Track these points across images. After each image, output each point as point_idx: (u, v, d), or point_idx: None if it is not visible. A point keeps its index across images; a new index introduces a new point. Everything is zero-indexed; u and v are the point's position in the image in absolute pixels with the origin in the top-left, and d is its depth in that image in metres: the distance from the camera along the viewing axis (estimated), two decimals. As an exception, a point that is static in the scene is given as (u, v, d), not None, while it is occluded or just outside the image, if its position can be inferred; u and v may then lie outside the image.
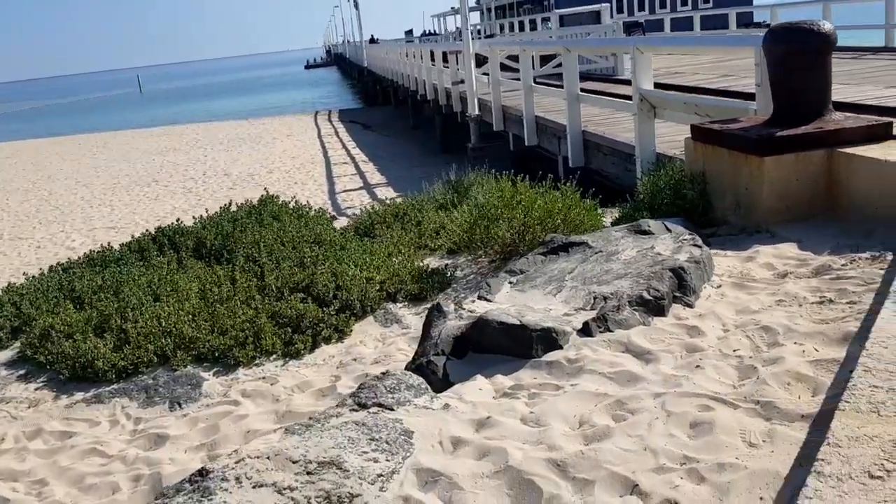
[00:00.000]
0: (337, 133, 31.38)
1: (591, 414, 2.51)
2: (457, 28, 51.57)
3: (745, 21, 25.52)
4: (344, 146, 26.98)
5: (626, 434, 2.34)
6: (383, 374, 2.86)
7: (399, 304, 4.54)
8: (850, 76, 13.10)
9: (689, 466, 2.14)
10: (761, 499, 1.95)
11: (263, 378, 4.30)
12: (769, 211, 4.59)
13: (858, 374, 2.03)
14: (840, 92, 11.03)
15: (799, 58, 4.74)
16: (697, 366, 2.74)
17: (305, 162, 23.75)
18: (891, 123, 4.71)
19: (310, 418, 2.61)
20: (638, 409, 2.49)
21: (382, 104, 41.78)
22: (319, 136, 30.43)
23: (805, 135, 4.59)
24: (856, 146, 4.49)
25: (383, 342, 4.22)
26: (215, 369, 4.49)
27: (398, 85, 32.26)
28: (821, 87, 4.81)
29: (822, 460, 1.70)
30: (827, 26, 4.79)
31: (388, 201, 10.44)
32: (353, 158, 23.65)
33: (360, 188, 18.90)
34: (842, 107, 8.60)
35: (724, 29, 25.28)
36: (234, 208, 6.98)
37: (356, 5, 58.24)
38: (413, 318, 4.34)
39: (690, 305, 3.33)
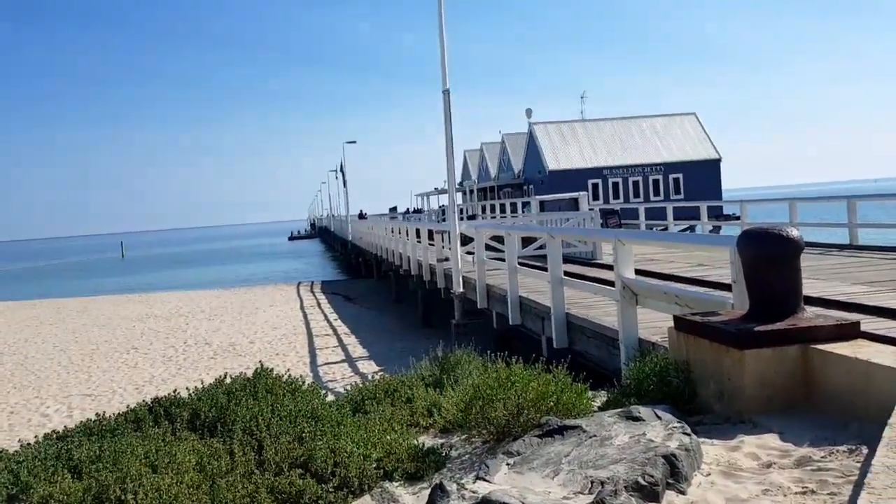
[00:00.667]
0: (319, 304, 31.79)
1: None
2: (440, 206, 53.82)
3: (716, 213, 27.00)
4: (326, 318, 27.28)
5: None
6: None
7: (395, 483, 4.62)
8: (818, 272, 13.86)
9: None
10: None
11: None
12: (751, 400, 4.83)
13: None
14: (810, 286, 11.64)
15: (771, 261, 5.19)
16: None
17: (288, 333, 23.94)
18: (858, 323, 5.08)
19: None
20: None
21: (365, 276, 42.64)
22: (302, 308, 30.78)
23: (781, 331, 4.93)
24: (827, 343, 4.83)
25: (381, 522, 4.27)
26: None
27: (382, 259, 33.15)
28: (792, 287, 5.22)
29: None
30: (794, 233, 5.27)
31: (373, 376, 10.57)
32: (335, 330, 23.89)
33: (343, 361, 18.99)
34: (812, 301, 9.11)
35: (695, 218, 26.68)
36: (228, 380, 7.11)
37: (344, 183, 60.73)
38: (410, 497, 4.41)
39: (683, 493, 3.49)
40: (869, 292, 10.58)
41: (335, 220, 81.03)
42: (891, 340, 5.72)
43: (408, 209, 69.87)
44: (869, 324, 8.14)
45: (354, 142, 60.93)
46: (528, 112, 51.27)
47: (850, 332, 4.95)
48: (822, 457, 3.87)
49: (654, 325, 8.25)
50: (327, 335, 22.93)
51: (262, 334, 23.95)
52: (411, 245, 24.26)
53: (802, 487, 3.45)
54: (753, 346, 4.87)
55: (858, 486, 2.91)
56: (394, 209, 66.09)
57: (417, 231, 23.88)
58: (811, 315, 5.22)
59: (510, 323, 12.95)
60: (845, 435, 4.16)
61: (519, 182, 55.07)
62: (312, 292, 37.81)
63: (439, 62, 15.99)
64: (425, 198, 66.79)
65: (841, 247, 17.91)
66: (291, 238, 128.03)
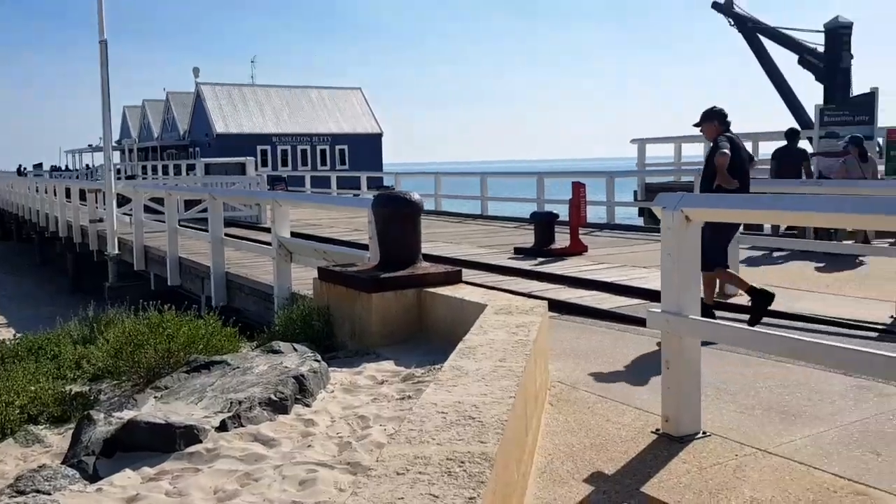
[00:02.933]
0: (-59, 269, 27.82)
1: (224, 484, 3.17)
2: (91, 165, 49.52)
3: (377, 184, 28.82)
4: (-50, 284, 24.07)
5: (251, 493, 3.05)
6: (40, 467, 3.20)
7: (41, 427, 4.71)
8: (455, 235, 15.77)
9: (298, 510, 2.91)
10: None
11: None
12: (377, 336, 5.73)
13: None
14: (445, 248, 13.29)
15: (397, 219, 6.13)
16: (309, 445, 3.57)
17: None
18: (460, 271, 6.25)
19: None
20: (262, 476, 3.21)
21: (3, 239, 38.02)
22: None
23: (401, 277, 5.90)
24: (436, 287, 5.90)
25: (25, 460, 4.35)
26: None
27: (24, 220, 29.94)
28: (413, 241, 6.22)
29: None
30: (416, 197, 6.27)
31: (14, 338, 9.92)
32: (-39, 297, 21.25)
33: (-26, 329, 17.10)
34: (444, 259, 10.52)
35: (358, 188, 28.26)
36: None
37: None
38: (56, 437, 4.55)
39: (308, 405, 4.19)
40: (486, 253, 12.48)
41: (-37, 174, 70.29)
42: (481, 286, 7.07)
43: (54, 166, 63.15)
44: (478, 278, 9.72)
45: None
46: (196, 71, 49.34)
47: (454, 278, 6.08)
48: (423, 373, 4.83)
49: (308, 281, 8.99)
50: (-46, 303, 20.34)
51: None
52: (60, 205, 22.38)
53: (402, 394, 4.35)
54: (379, 290, 5.77)
55: (433, 382, 3.81)
56: (38, 165, 59.31)
57: (67, 190, 22.09)
58: (427, 265, 6.28)
59: (169, 284, 12.88)
60: (445, 356, 5.19)
61: (185, 144, 52.90)
62: (-67, 256, 32.81)
63: (96, 9, 15.03)
64: (77, 155, 60.95)
65: (475, 216, 20.48)
66: None
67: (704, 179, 7.00)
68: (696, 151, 21.02)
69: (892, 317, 6.87)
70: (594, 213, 17.66)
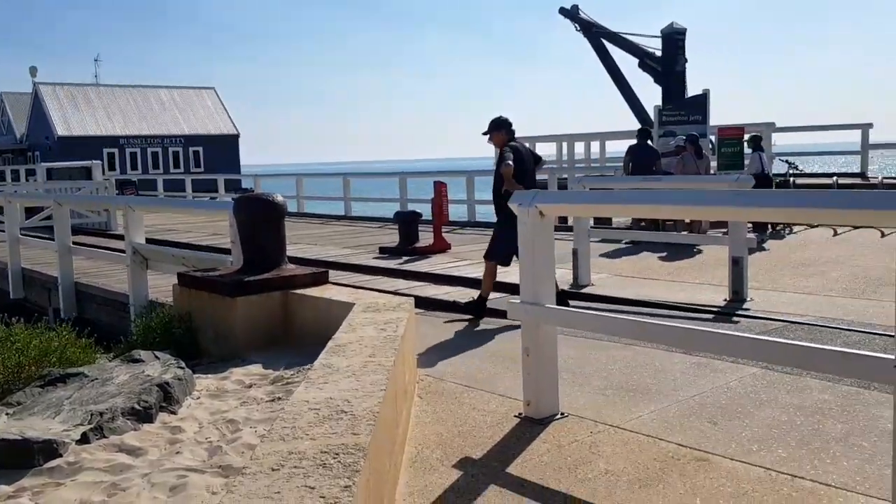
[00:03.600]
0: None
1: (90, 496, 3.08)
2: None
3: (234, 186, 28.04)
4: None
5: (119, 503, 2.99)
6: None
7: None
8: (319, 237, 15.68)
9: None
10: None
11: None
12: (242, 340, 5.67)
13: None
14: (309, 249, 13.21)
15: (259, 221, 6.08)
16: (178, 452, 3.52)
17: None
18: (327, 272, 6.29)
19: None
20: (129, 486, 3.15)
21: None
22: None
23: (266, 280, 5.86)
24: (303, 289, 5.90)
25: None
26: None
27: None
28: (277, 244, 6.19)
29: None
30: (279, 198, 6.25)
31: None
32: None
33: None
34: (309, 262, 10.46)
35: (214, 191, 27.40)
36: None
37: None
38: None
39: (174, 413, 4.11)
40: (352, 254, 12.53)
41: None
42: (348, 286, 7.13)
43: None
44: (345, 279, 9.77)
45: None
46: (33, 71, 46.19)
47: (321, 279, 6.11)
48: (292, 374, 4.84)
49: (166, 289, 8.69)
50: None
51: None
52: None
53: (272, 396, 4.35)
54: (243, 294, 5.71)
55: (304, 380, 3.85)
56: None
57: None
58: (292, 267, 6.27)
59: (12, 297, 12.05)
60: (314, 357, 5.21)
61: (22, 148, 49.32)
62: None
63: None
64: None
65: (339, 217, 20.41)
66: None
67: (495, 184, 7.48)
68: (550, 150, 21.93)
69: (725, 300, 7.52)
70: (456, 212, 18.06)
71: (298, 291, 5.88)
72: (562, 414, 4.38)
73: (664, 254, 10.91)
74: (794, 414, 4.24)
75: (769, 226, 12.53)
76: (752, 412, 4.30)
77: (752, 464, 3.60)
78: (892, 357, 2.92)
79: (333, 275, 10.36)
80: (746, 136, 13.75)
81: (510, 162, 7.10)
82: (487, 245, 7.73)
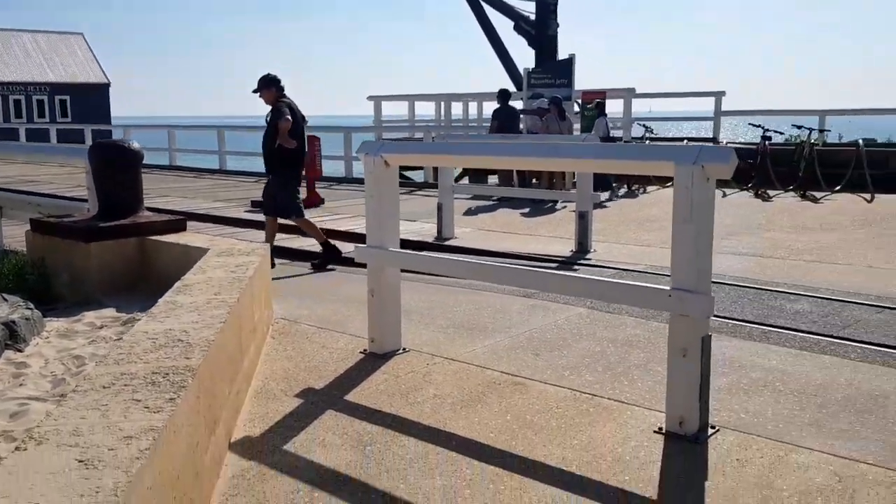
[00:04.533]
0: None
1: (-73, 424, 3.18)
2: None
3: (103, 138, 26.85)
4: None
5: (-43, 429, 3.10)
6: None
7: None
8: (190, 191, 15.43)
9: None
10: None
11: None
12: (97, 285, 5.71)
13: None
14: (181, 203, 13.04)
15: (115, 168, 6.08)
16: (21, 384, 3.64)
17: None
18: (184, 220, 6.37)
19: None
20: (-31, 414, 3.26)
21: None
22: None
23: (121, 226, 5.89)
24: (160, 235, 5.98)
25: None
26: None
27: None
28: (133, 190, 6.20)
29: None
30: (136, 145, 6.25)
31: None
32: None
33: None
34: (177, 214, 10.37)
35: (83, 143, 26.16)
36: None
37: None
38: None
39: (20, 350, 4.19)
40: (223, 207, 12.47)
41: None
42: (207, 235, 7.24)
43: None
44: (213, 231, 9.79)
45: None
46: None
47: (177, 226, 6.19)
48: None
49: (22, 238, 8.46)
50: None
51: None
52: None
53: (120, 335, 4.48)
54: (98, 239, 5.73)
55: (146, 315, 4.02)
56: None
57: None
58: (150, 214, 6.31)
59: None
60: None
61: None
62: None
63: None
64: None
65: (213, 171, 20.04)
66: None
67: (267, 138, 7.66)
68: (429, 109, 22.23)
69: (571, 250, 8.10)
70: (334, 168, 18.11)
71: (155, 238, 5.95)
72: (403, 349, 4.74)
73: (527, 210, 11.49)
74: (606, 346, 4.76)
75: (625, 185, 13.35)
76: (572, 344, 4.80)
77: (562, 386, 4.07)
78: (668, 288, 3.42)
79: (201, 226, 10.39)
80: (592, 103, 14.34)
81: (289, 117, 7.36)
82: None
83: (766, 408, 3.74)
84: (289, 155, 7.53)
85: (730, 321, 5.34)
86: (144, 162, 6.50)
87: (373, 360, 4.57)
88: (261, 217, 11.14)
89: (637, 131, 15.37)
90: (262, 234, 9.77)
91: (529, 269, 4.19)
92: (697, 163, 3.27)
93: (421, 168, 16.63)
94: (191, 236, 6.06)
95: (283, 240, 9.31)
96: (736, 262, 7.44)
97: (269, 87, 7.58)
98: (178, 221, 6.26)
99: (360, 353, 4.71)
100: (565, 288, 4.03)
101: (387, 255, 4.63)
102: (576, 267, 7.31)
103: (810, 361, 4.46)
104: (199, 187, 16.47)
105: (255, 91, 7.65)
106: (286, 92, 7.67)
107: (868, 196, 12.21)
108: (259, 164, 20.96)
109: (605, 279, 3.84)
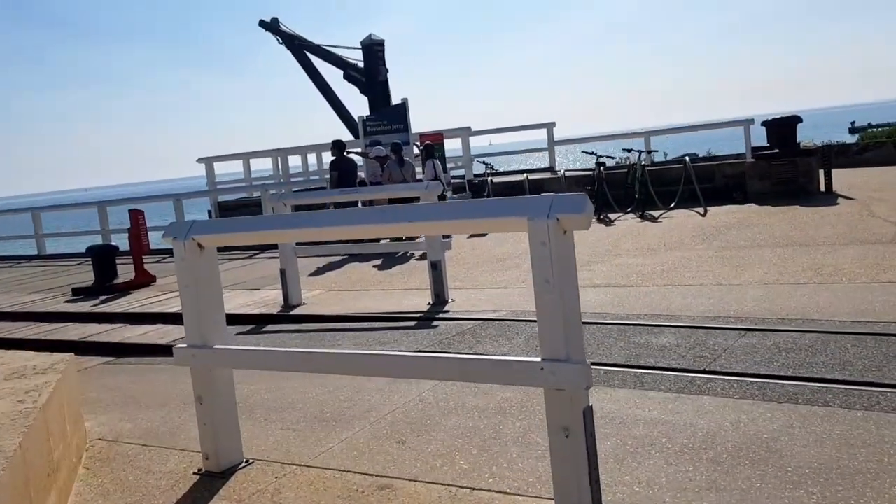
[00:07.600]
0: None
1: None
2: None
3: None
4: None
5: None
6: None
7: None
8: (5, 283, 13.80)
9: None
10: None
11: None
12: None
13: None
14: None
15: None
16: None
17: None
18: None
19: None
20: None
21: None
22: None
23: None
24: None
25: None
26: None
27: None
28: None
29: None
30: None
31: None
32: None
33: None
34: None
35: None
36: None
37: None
38: None
39: None
40: (41, 299, 11.10)
41: None
42: (26, 341, 6.20)
43: None
44: (28, 331, 8.62)
45: None
46: None
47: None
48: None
49: None
50: None
51: None
52: None
53: None
54: None
55: None
56: None
57: None
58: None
59: None
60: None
61: None
62: None
63: None
64: None
65: (31, 257, 18.17)
66: None
67: None
68: (265, 165, 21.34)
69: (429, 303, 7.63)
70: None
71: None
72: (246, 461, 4.03)
73: (379, 261, 10.97)
74: (477, 419, 4.28)
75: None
76: (440, 422, 4.27)
77: (435, 482, 3.53)
78: (538, 360, 2.96)
79: (12, 328, 9.11)
80: (422, 146, 13.65)
81: None
82: None
83: (659, 474, 3.37)
84: None
85: (602, 367, 5.01)
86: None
87: (209, 483, 3.84)
88: (83, 308, 10.00)
89: (478, 168, 15.29)
90: (84, 329, 8.68)
91: (381, 354, 3.65)
92: (552, 216, 2.86)
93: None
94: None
95: (107, 332, 8.28)
96: (593, 295, 7.23)
97: None
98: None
99: (195, 473, 3.97)
100: (423, 372, 3.51)
101: (212, 354, 3.93)
102: (435, 323, 6.83)
103: (690, 406, 4.17)
104: (15, 278, 14.77)
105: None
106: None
107: (702, 210, 12.63)
108: (82, 244, 19.28)
109: (469, 356, 3.35)
